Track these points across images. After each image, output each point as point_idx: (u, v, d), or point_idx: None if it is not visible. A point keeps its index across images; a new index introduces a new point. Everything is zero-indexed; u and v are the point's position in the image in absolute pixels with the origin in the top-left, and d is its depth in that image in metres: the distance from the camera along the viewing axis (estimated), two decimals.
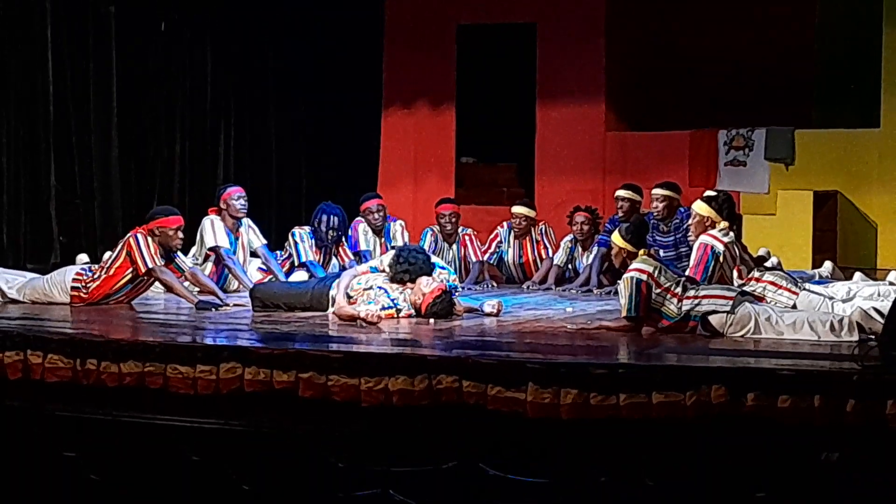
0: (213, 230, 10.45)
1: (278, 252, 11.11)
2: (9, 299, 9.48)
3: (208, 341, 7.76)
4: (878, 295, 8.40)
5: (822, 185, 12.62)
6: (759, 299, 8.11)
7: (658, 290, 7.84)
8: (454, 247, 11.78)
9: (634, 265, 7.93)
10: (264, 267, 10.73)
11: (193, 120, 13.38)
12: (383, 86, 14.44)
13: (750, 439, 6.18)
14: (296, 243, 10.88)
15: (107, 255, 10.10)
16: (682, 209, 10.68)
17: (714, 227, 8.64)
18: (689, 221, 9.02)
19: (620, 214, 11.09)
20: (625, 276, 7.94)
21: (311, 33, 14.19)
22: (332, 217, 10.83)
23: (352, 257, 11.06)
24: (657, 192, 10.79)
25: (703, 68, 14.06)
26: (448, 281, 9.13)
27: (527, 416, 6.45)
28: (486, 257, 11.81)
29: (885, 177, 12.57)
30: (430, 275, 8.91)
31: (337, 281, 9.03)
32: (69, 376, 7.29)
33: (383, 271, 9.02)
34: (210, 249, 10.47)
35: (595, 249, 11.19)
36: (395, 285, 8.87)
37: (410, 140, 14.38)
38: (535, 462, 6.44)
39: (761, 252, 10.41)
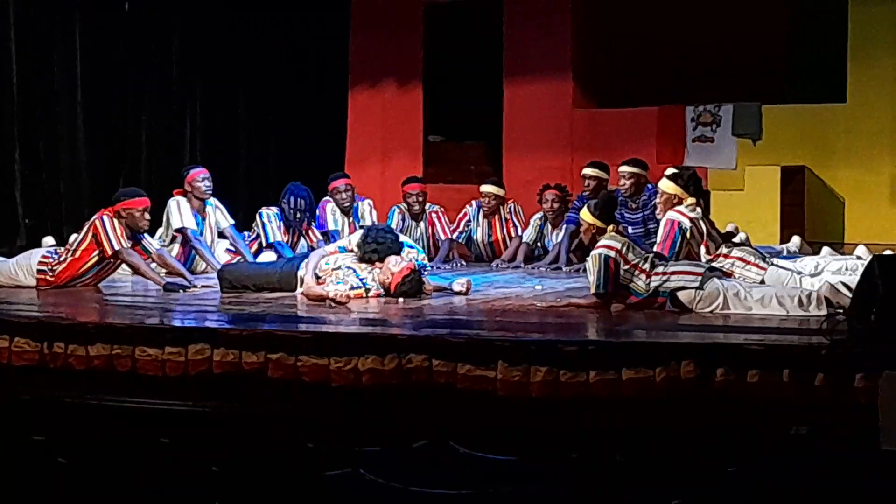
0: (179, 212, 10.40)
1: (246, 233, 11.08)
2: None
3: (176, 323, 7.75)
4: (846, 269, 8.44)
5: (790, 160, 12.67)
6: (728, 275, 8.13)
7: (626, 267, 7.85)
8: (422, 225, 11.77)
9: (603, 242, 7.94)
10: (232, 248, 10.70)
11: (160, 101, 13.30)
12: (350, 64, 14.41)
13: (719, 414, 6.20)
14: (263, 224, 10.86)
15: (73, 237, 10.04)
16: (649, 186, 10.67)
17: (681, 204, 8.65)
18: (657, 199, 9.01)
19: (588, 193, 11.09)
20: (593, 252, 7.95)
21: (278, 12, 14.11)
22: (298, 199, 10.82)
23: (320, 237, 11.05)
24: (624, 169, 10.79)
25: (670, 44, 14.07)
26: (417, 260, 9.13)
27: (497, 394, 6.46)
28: (454, 236, 11.80)
29: (852, 152, 12.63)
30: (398, 254, 8.90)
31: (305, 261, 9.01)
32: (36, 360, 7.27)
33: (352, 251, 9.00)
34: (177, 231, 10.41)
35: (564, 227, 11.19)
36: (363, 265, 8.86)
37: (378, 119, 14.36)
38: (505, 440, 6.45)
39: (729, 228, 10.42)
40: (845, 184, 12.67)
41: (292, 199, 10.85)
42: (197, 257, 10.41)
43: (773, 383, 6.11)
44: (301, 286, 8.87)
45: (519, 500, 6.35)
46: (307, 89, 14.25)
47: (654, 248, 8.43)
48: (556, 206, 11.39)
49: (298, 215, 10.86)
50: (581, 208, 8.48)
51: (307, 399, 6.79)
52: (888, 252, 9.42)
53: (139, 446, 6.96)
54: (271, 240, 10.79)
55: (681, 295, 7.74)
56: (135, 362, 7.08)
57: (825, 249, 9.81)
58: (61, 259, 9.36)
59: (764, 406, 6.13)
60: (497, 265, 11.34)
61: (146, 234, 9.58)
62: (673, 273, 7.81)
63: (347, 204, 11.39)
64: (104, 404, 7.13)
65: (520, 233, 11.62)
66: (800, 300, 7.51)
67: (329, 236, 11.08)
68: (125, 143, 13.01)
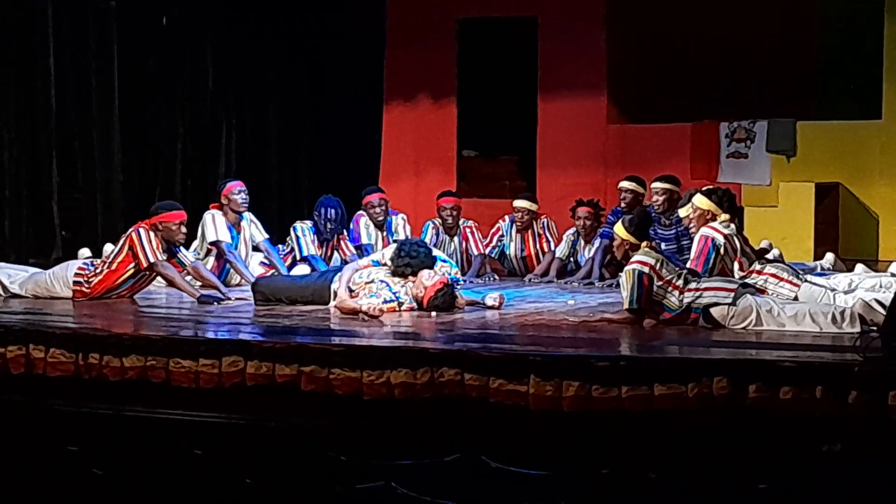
0: (213, 225, 10.46)
1: (280, 246, 11.13)
2: (11, 294, 9.50)
3: (210, 335, 7.78)
4: (880, 286, 8.41)
5: (824, 176, 12.62)
6: (761, 291, 8.11)
7: (660, 283, 7.84)
8: (455, 239, 11.80)
9: (636, 257, 7.94)
10: (266, 261, 10.74)
11: (195, 114, 13.38)
12: (384, 79, 14.44)
13: (752, 431, 6.18)
14: (297, 237, 10.93)
15: (107, 248, 10.11)
16: None
17: (715, 220, 8.64)
18: (691, 215, 8.99)
19: (623, 206, 11.11)
20: (627, 268, 7.94)
21: (313, 27, 14.18)
22: (329, 210, 10.90)
23: (353, 251, 11.08)
24: (657, 185, 10.79)
25: (704, 60, 14.05)
26: (450, 274, 9.14)
27: (529, 408, 6.46)
28: (487, 251, 11.82)
29: (887, 168, 12.58)
30: (431, 268, 8.91)
31: (339, 275, 9.04)
32: (71, 371, 7.30)
33: (385, 265, 9.03)
34: (211, 244, 10.47)
35: (597, 242, 11.19)
36: (396, 279, 8.88)
37: (412, 134, 14.38)
38: (537, 454, 6.45)
39: (763, 244, 10.42)
40: (880, 201, 12.62)
41: (324, 211, 10.94)
42: (231, 270, 10.46)
43: (805, 400, 6.09)
44: (334, 299, 8.90)
45: None
46: (341, 104, 14.30)
47: (688, 265, 8.43)
48: (588, 223, 11.39)
49: (330, 226, 10.93)
50: (616, 223, 8.48)
51: (339, 412, 6.81)
52: None
53: (172, 458, 7.00)
54: (305, 253, 10.85)
55: (714, 311, 7.72)
56: (169, 374, 7.11)
57: (859, 266, 9.78)
58: (97, 271, 9.43)
59: (797, 423, 6.11)
60: (530, 280, 11.35)
61: (182, 247, 9.64)
62: (706, 289, 7.80)
63: (381, 218, 11.43)
64: (138, 415, 7.17)
65: (552, 248, 11.63)
66: (833, 317, 7.49)
67: (362, 250, 11.12)
68: (160, 157, 13.10)
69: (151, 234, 9.33)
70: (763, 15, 14.03)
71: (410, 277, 8.86)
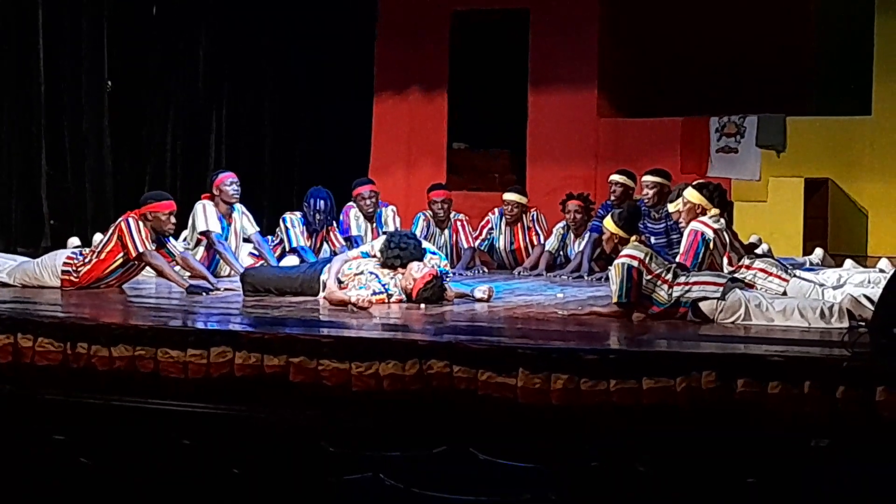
0: (204, 215, 10.44)
1: (269, 237, 11.13)
2: None
3: (199, 325, 7.76)
4: (869, 282, 8.43)
5: (814, 172, 12.65)
6: (750, 286, 8.12)
7: (649, 277, 7.85)
8: (446, 232, 11.80)
9: (626, 251, 7.94)
10: (256, 252, 10.74)
11: (186, 105, 13.36)
12: (375, 71, 14.43)
13: (740, 425, 6.19)
14: (287, 229, 10.93)
15: (97, 237, 10.09)
16: None
17: (705, 214, 8.65)
18: (681, 209, 9.00)
19: (613, 199, 11.11)
20: (616, 262, 7.95)
21: (305, 18, 14.16)
22: (318, 201, 10.92)
23: (343, 242, 11.08)
24: (647, 179, 10.80)
25: (695, 55, 14.07)
26: (439, 266, 9.14)
27: (517, 401, 6.46)
28: (477, 243, 11.83)
29: (877, 164, 12.60)
30: (421, 260, 8.91)
31: (328, 266, 9.03)
32: (59, 360, 7.28)
33: (374, 256, 9.02)
34: (201, 234, 10.46)
35: (587, 235, 11.20)
36: (386, 270, 8.88)
37: (403, 126, 14.38)
38: (525, 447, 6.45)
39: (752, 239, 10.42)
40: (869, 196, 12.64)
41: (313, 202, 10.96)
42: (221, 261, 10.45)
43: (794, 395, 6.09)
44: (323, 291, 8.90)
45: None
46: (332, 96, 14.29)
47: (677, 259, 8.43)
48: (578, 216, 11.41)
49: (319, 217, 10.95)
50: (605, 216, 8.48)
51: (328, 403, 6.80)
52: None
53: (160, 447, 6.99)
54: (294, 244, 10.85)
55: (703, 305, 7.73)
56: (157, 364, 7.09)
57: (848, 262, 9.79)
58: (86, 260, 9.41)
59: (784, 418, 6.11)
60: (519, 273, 11.36)
61: (171, 238, 9.62)
62: (695, 283, 7.81)
63: (371, 210, 11.43)
64: (126, 405, 7.16)
65: (542, 241, 11.64)
66: (822, 312, 7.50)
67: (352, 241, 11.12)
68: (151, 147, 13.08)
69: (141, 223, 9.31)
70: (756, 11, 14.05)
71: (400, 269, 8.85)
